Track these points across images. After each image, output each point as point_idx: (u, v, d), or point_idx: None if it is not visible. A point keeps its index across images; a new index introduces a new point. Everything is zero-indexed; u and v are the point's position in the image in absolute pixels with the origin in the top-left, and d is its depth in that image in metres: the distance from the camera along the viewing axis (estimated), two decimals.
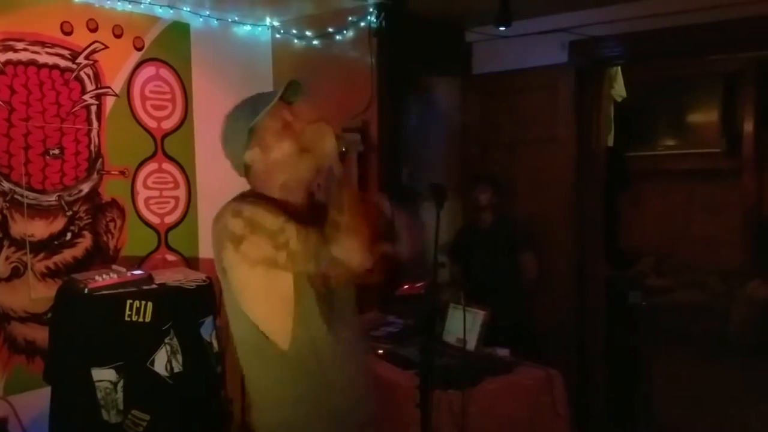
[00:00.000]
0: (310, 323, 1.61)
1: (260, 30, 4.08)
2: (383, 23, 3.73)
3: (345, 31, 3.85)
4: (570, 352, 3.97)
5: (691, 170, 6.01)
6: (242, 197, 1.63)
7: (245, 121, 1.63)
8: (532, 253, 3.87)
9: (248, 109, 1.65)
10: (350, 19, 3.81)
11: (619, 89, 4.44)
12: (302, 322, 1.60)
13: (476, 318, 2.83)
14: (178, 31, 3.72)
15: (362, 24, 3.79)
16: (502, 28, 3.62)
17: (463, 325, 2.70)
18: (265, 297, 1.59)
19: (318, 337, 1.63)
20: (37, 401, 2.97)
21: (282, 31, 4.10)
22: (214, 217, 1.61)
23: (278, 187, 1.66)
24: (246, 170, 1.68)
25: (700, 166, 5.95)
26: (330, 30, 3.89)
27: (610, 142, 4.54)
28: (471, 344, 2.77)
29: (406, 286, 3.46)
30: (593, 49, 3.87)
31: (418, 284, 3.38)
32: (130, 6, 3.45)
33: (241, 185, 4.08)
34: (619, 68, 4.39)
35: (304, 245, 1.51)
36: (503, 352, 2.88)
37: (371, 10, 3.74)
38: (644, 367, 4.42)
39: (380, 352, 3.05)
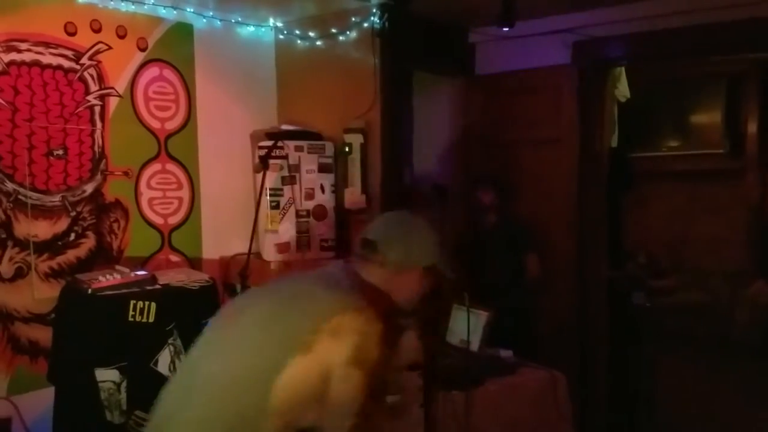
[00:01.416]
0: None
1: (263, 31, 4.08)
2: (386, 24, 3.73)
3: (348, 32, 3.85)
4: (573, 353, 3.96)
5: (695, 171, 5.98)
6: (371, 294, 1.51)
7: (438, 254, 1.64)
8: (535, 254, 3.87)
9: (435, 243, 1.65)
10: (353, 19, 3.81)
11: (622, 90, 4.43)
12: None
13: (480, 319, 2.83)
14: (182, 31, 3.72)
15: (365, 25, 3.79)
16: (505, 29, 3.62)
17: (467, 326, 2.70)
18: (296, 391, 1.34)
19: None
20: (41, 401, 2.98)
21: (285, 32, 4.10)
22: (356, 310, 1.41)
23: (404, 298, 1.62)
24: (395, 267, 1.59)
25: (703, 167, 5.92)
26: (333, 31, 3.90)
27: (614, 143, 4.53)
28: (474, 345, 2.77)
29: None
30: (596, 50, 3.86)
31: None
32: (133, 7, 3.46)
33: (243, 187, 4.07)
34: (623, 69, 4.38)
35: None
36: (506, 353, 2.88)
37: (374, 10, 3.74)
38: (647, 369, 4.41)
39: None
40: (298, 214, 3.75)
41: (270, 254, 3.69)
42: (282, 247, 3.71)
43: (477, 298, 2.88)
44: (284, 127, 3.89)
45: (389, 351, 1.40)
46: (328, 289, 1.47)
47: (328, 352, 1.31)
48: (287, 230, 3.72)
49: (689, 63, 5.51)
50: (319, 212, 3.84)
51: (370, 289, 1.53)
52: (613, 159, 4.39)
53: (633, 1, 3.64)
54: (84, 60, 3.34)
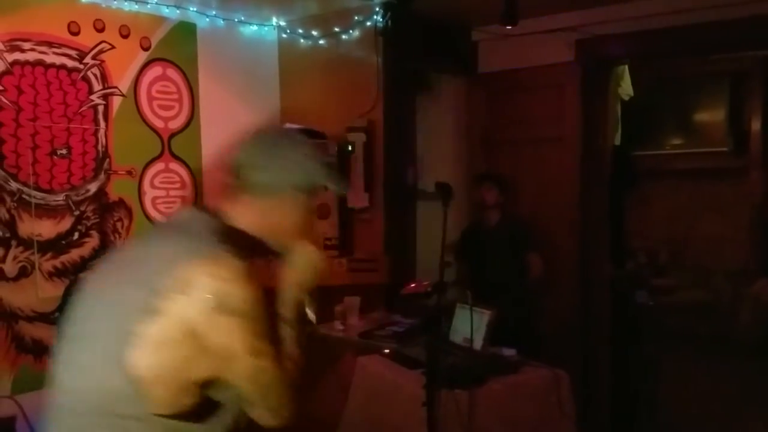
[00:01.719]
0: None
1: (266, 30, 4.09)
2: (389, 23, 3.73)
3: (351, 31, 3.85)
4: (576, 352, 3.96)
5: (698, 169, 5.98)
6: (229, 239, 1.27)
7: (318, 168, 1.38)
8: (538, 253, 3.86)
9: (320, 164, 1.39)
10: (356, 18, 3.81)
11: (626, 88, 4.42)
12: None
13: (482, 317, 2.83)
14: (185, 31, 3.73)
15: (368, 23, 3.79)
16: (508, 27, 3.61)
17: (470, 325, 2.70)
18: (171, 363, 1.18)
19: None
20: (45, 400, 2.98)
21: (288, 31, 4.10)
22: (203, 254, 1.22)
23: (269, 234, 1.38)
24: (266, 194, 1.35)
25: (706, 165, 5.92)
26: (336, 29, 3.89)
27: (617, 141, 4.53)
28: (477, 344, 2.77)
29: (412, 285, 3.46)
30: (600, 48, 3.86)
31: (425, 283, 3.38)
32: (136, 6, 3.47)
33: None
34: (626, 67, 4.37)
35: (275, 369, 1.25)
36: (509, 351, 2.87)
37: (377, 9, 3.74)
38: (649, 367, 4.41)
39: (386, 351, 3.05)
40: None
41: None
42: None
43: (480, 296, 2.89)
44: (287, 126, 3.88)
45: (262, 290, 1.22)
46: (176, 241, 1.26)
47: (181, 308, 1.16)
48: None
49: (692, 61, 5.51)
50: (322, 211, 3.84)
51: (229, 230, 1.31)
52: (615, 157, 4.38)
53: None
54: (87, 59, 3.34)
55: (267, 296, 1.27)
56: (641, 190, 5.82)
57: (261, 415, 1.27)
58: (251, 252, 1.30)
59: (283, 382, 1.27)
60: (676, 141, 6.17)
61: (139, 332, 1.17)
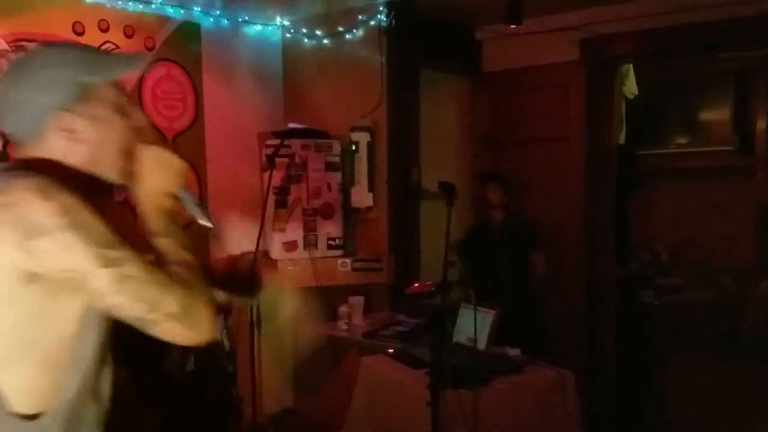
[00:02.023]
0: (70, 381, 1.11)
1: (270, 30, 4.09)
2: (393, 22, 3.73)
3: (355, 30, 3.85)
4: (581, 352, 3.95)
5: (703, 168, 5.96)
6: (35, 169, 1.06)
7: (73, 70, 1.10)
8: (543, 252, 3.85)
9: (77, 58, 1.13)
10: (360, 18, 3.81)
11: (630, 87, 4.41)
12: (64, 377, 1.10)
13: (487, 317, 2.83)
14: (189, 31, 3.73)
15: (372, 23, 3.79)
16: (512, 26, 3.61)
17: (474, 325, 2.70)
18: (26, 327, 1.05)
19: (75, 400, 1.12)
20: None
21: (292, 31, 4.10)
22: None
23: (117, 167, 1.16)
24: (34, 137, 1.11)
25: (712, 164, 5.90)
26: (340, 29, 3.90)
27: (622, 140, 4.51)
28: (481, 344, 2.77)
29: (416, 285, 3.45)
30: (605, 47, 3.85)
31: (428, 283, 3.37)
32: (141, 6, 3.47)
33: (251, 186, 4.08)
34: (631, 66, 4.36)
35: (150, 274, 1.05)
36: (514, 351, 2.87)
37: (381, 9, 3.74)
38: (656, 367, 4.39)
39: (390, 351, 3.05)
40: (305, 213, 3.76)
41: (277, 253, 3.69)
42: (289, 246, 3.72)
43: (484, 296, 2.89)
44: (291, 125, 3.89)
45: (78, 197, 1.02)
46: None
47: None
48: (294, 229, 3.73)
49: (697, 60, 5.49)
50: (326, 211, 3.84)
51: (30, 164, 1.10)
52: (620, 156, 4.37)
53: None
54: None
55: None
56: (646, 189, 5.80)
57: (170, 328, 1.07)
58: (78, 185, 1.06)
59: (176, 286, 1.06)
60: (681, 140, 6.14)
61: None
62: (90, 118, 1.12)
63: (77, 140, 1.11)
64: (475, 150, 4.47)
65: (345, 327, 3.55)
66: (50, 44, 1.25)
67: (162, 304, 1.05)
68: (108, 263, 1.02)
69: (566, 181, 4.01)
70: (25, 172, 1.04)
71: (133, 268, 1.03)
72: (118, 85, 1.16)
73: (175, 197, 1.19)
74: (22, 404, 1.07)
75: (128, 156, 1.16)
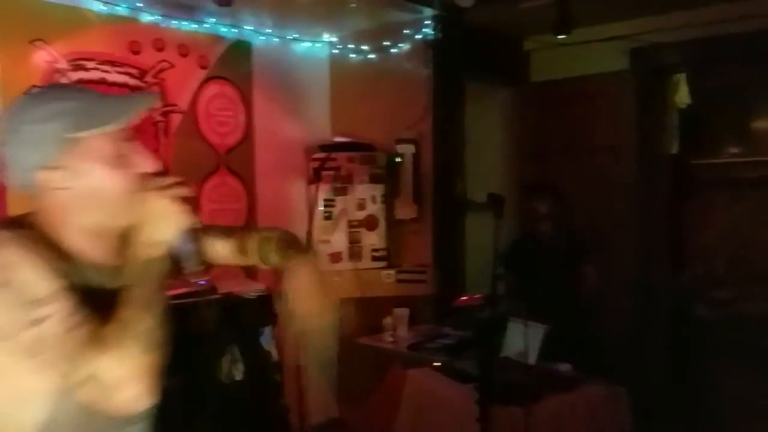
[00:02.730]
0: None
1: (318, 46, 4.15)
2: (439, 35, 3.75)
3: (401, 44, 3.88)
4: (634, 368, 3.86)
5: (759, 178, 5.78)
6: (12, 224, 1.09)
7: (62, 123, 1.08)
8: (593, 265, 3.77)
9: (65, 110, 1.09)
10: (406, 32, 3.84)
11: (682, 96, 4.32)
12: None
13: (536, 332, 2.78)
14: (241, 49, 3.82)
15: (418, 36, 3.81)
16: (561, 36, 3.58)
17: (523, 339, 2.66)
18: None
19: None
20: None
21: (339, 47, 4.16)
22: None
23: (83, 227, 1.12)
24: (34, 190, 1.11)
25: (766, 174, 5.72)
26: (386, 43, 3.93)
27: (675, 150, 4.42)
28: (532, 358, 2.73)
29: (464, 298, 3.44)
30: (655, 57, 3.79)
31: (477, 296, 3.35)
32: (195, 26, 3.57)
33: (298, 198, 4.13)
34: (683, 75, 4.27)
35: (67, 336, 0.99)
36: (565, 367, 2.82)
37: (427, 22, 3.76)
38: (709, 383, 4.26)
39: (436, 364, 3.03)
40: (350, 225, 3.79)
41: (322, 264, 3.73)
42: (334, 257, 3.76)
43: (533, 310, 2.85)
44: (337, 139, 3.93)
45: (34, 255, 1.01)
46: None
47: None
48: (339, 240, 3.76)
49: (751, 68, 5.34)
50: (371, 222, 3.87)
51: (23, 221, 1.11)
52: (673, 166, 4.28)
53: (691, 7, 3.55)
54: (148, 78, 3.45)
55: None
56: (699, 199, 5.66)
57: (87, 393, 1.01)
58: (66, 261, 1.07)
59: (94, 350, 0.99)
60: (735, 149, 5.98)
61: None
62: (74, 172, 1.09)
63: (68, 196, 1.09)
64: (521, 161, 4.43)
65: (390, 339, 3.55)
66: (40, 95, 1.17)
67: (76, 371, 0.99)
68: (28, 324, 0.99)
69: (617, 192, 3.94)
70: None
71: (53, 328, 0.99)
72: (115, 135, 1.11)
73: (169, 247, 1.11)
74: None
75: (127, 204, 1.11)
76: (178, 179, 1.14)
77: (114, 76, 3.33)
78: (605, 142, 4.00)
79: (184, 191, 1.13)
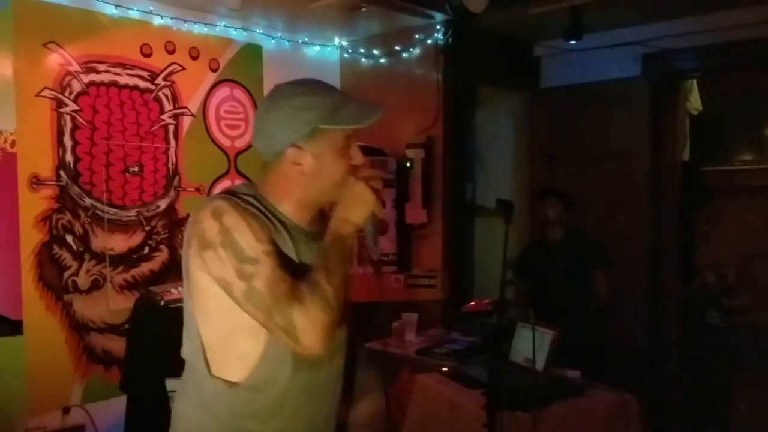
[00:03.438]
0: (277, 368, 1.34)
1: (329, 50, 4.16)
2: (450, 40, 3.75)
3: (412, 49, 3.88)
4: (644, 375, 3.83)
5: None
6: (233, 195, 1.35)
7: (315, 114, 1.34)
8: (604, 271, 3.74)
9: (319, 105, 1.35)
10: (417, 37, 3.84)
11: (695, 102, 4.30)
12: (267, 362, 1.34)
13: (545, 337, 2.76)
14: (252, 52, 3.83)
15: (429, 41, 3.81)
16: (572, 42, 3.57)
17: (532, 345, 2.64)
18: (222, 318, 1.32)
19: (282, 379, 1.35)
20: (114, 410, 3.08)
21: (350, 51, 4.17)
22: (197, 208, 1.34)
23: (301, 198, 1.38)
24: (274, 159, 1.37)
25: None
26: (397, 48, 3.93)
27: (686, 157, 4.39)
28: (540, 364, 2.70)
29: (473, 303, 3.42)
30: (668, 62, 3.77)
31: (486, 301, 3.34)
32: (206, 29, 3.59)
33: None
34: (695, 81, 4.25)
35: (270, 290, 1.24)
36: (574, 373, 2.79)
37: (438, 27, 3.76)
38: (722, 391, 4.21)
39: (444, 369, 3.02)
40: (359, 229, 3.78)
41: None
42: None
43: (542, 315, 2.83)
44: None
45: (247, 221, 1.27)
46: None
47: (187, 263, 1.33)
48: None
49: (763, 75, 5.30)
50: (381, 227, 3.85)
51: (246, 189, 1.39)
52: (685, 173, 4.25)
53: (704, 13, 3.53)
54: (159, 80, 3.47)
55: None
56: (711, 206, 5.62)
57: (281, 337, 1.26)
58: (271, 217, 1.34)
59: (292, 303, 1.23)
60: (747, 156, 5.93)
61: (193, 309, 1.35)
62: (315, 155, 1.35)
63: (301, 171, 1.36)
64: (532, 166, 4.42)
65: (398, 344, 3.53)
66: (304, 84, 1.43)
67: (274, 317, 1.24)
68: (242, 277, 1.25)
69: (628, 198, 3.91)
70: (221, 195, 1.35)
71: (260, 282, 1.24)
72: (349, 132, 1.38)
73: (359, 228, 1.38)
74: (231, 371, 1.35)
75: (339, 186, 1.37)
76: (379, 173, 1.44)
77: (125, 79, 3.36)
78: (616, 148, 3.98)
79: (380, 185, 1.39)
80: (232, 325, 1.32)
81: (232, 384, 1.34)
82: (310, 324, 1.23)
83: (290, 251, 1.34)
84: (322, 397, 1.47)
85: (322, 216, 1.45)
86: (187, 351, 1.43)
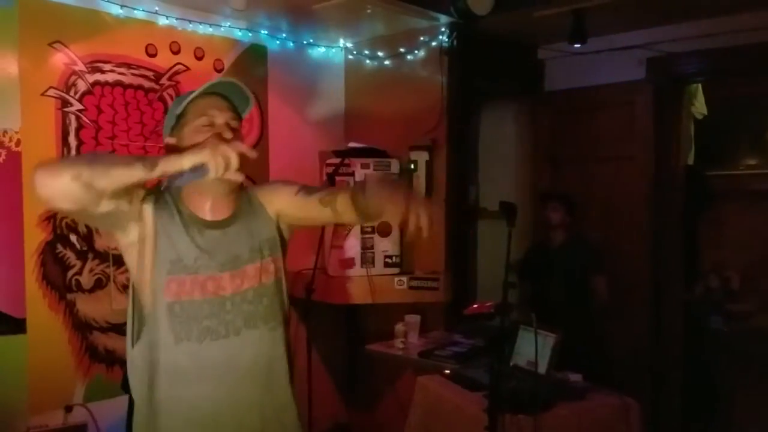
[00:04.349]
0: (155, 335, 1.53)
1: (333, 51, 4.17)
2: (454, 42, 3.75)
3: (416, 51, 3.89)
4: (646, 379, 3.82)
5: None
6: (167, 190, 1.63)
7: (175, 105, 1.61)
8: (604, 277, 3.73)
9: (182, 96, 1.63)
10: (421, 39, 3.84)
11: (699, 107, 4.29)
12: (147, 329, 1.54)
13: (547, 340, 2.76)
14: (256, 53, 3.84)
15: (433, 44, 3.81)
16: (576, 45, 3.57)
17: (534, 348, 2.64)
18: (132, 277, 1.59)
19: (162, 353, 1.53)
20: (116, 409, 3.08)
21: (354, 52, 4.17)
22: None
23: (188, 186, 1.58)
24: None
25: None
26: (401, 50, 3.94)
27: (690, 161, 4.38)
28: (542, 367, 2.70)
29: (475, 306, 3.42)
30: (672, 66, 3.77)
31: (488, 304, 3.33)
32: (210, 29, 3.59)
33: None
34: (699, 85, 4.24)
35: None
36: (576, 377, 2.79)
37: (443, 29, 3.76)
38: (723, 397, 4.20)
39: (446, 372, 3.02)
40: (362, 231, 3.78)
41: (335, 269, 3.73)
42: (347, 263, 3.75)
43: (544, 318, 2.83)
44: (351, 144, 3.94)
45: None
46: None
47: None
48: (352, 246, 3.75)
49: None
50: (384, 229, 3.85)
51: None
52: (688, 177, 4.24)
53: (709, 17, 3.53)
54: (163, 80, 3.48)
55: None
56: (715, 211, 5.61)
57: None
58: None
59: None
60: (752, 161, 5.92)
61: None
62: (181, 138, 1.59)
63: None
64: (536, 169, 4.42)
65: (401, 345, 3.54)
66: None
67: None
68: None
69: (631, 201, 3.91)
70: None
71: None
72: (198, 110, 1.60)
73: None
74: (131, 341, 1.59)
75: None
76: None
77: (130, 78, 3.36)
78: (620, 152, 3.98)
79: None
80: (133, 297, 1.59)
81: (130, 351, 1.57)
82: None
83: (182, 235, 1.53)
84: (189, 382, 1.54)
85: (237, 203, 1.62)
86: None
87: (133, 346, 1.56)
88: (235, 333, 1.54)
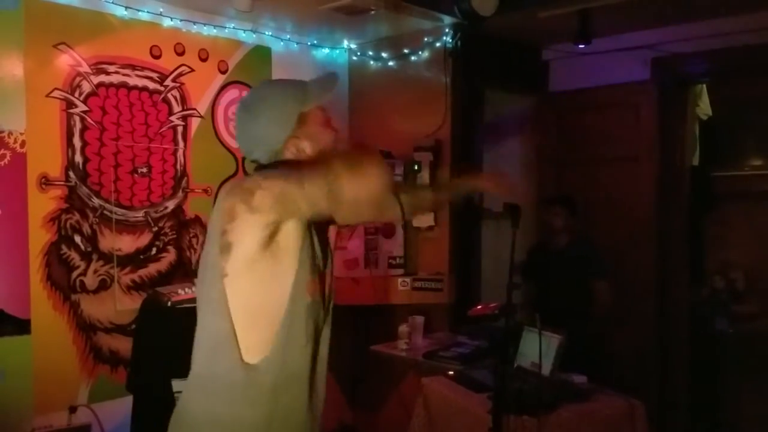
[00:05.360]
0: (291, 338, 1.47)
1: (338, 52, 4.17)
2: (458, 43, 3.75)
3: (420, 52, 3.89)
4: (651, 381, 3.81)
5: None
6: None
7: (293, 105, 1.51)
8: (606, 282, 3.67)
9: (293, 94, 1.53)
10: (426, 39, 3.84)
11: (704, 107, 4.28)
12: (284, 334, 1.45)
13: (551, 342, 2.75)
14: (260, 54, 3.84)
15: (437, 44, 3.82)
16: (581, 46, 3.56)
17: (538, 349, 2.63)
18: (260, 288, 1.43)
19: (293, 357, 1.48)
20: (120, 410, 3.09)
21: (359, 53, 4.17)
22: (224, 192, 1.47)
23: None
24: (275, 157, 1.52)
25: None
26: (405, 51, 3.94)
27: (695, 162, 4.37)
28: (546, 369, 2.70)
29: (479, 307, 3.42)
30: (677, 67, 3.76)
31: (492, 305, 3.33)
32: (215, 31, 3.60)
33: None
34: (704, 86, 4.23)
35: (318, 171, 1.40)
36: (580, 378, 2.78)
37: (447, 30, 3.76)
38: (729, 398, 4.19)
39: (450, 373, 3.01)
40: (366, 232, 3.79)
41: (339, 270, 3.73)
42: (351, 264, 3.75)
43: (548, 319, 2.82)
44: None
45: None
46: None
47: (238, 235, 1.42)
48: (356, 247, 3.76)
49: None
50: (388, 230, 3.86)
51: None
52: (693, 178, 4.23)
53: (714, 17, 3.52)
54: (168, 82, 3.49)
55: None
56: (720, 212, 5.58)
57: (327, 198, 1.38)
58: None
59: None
60: (757, 161, 5.90)
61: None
62: (309, 137, 1.52)
63: (304, 156, 1.51)
64: (540, 170, 4.41)
65: (405, 346, 3.53)
66: (263, 88, 1.62)
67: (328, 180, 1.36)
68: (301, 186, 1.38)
69: (636, 202, 3.90)
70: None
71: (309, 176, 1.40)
72: (322, 105, 1.57)
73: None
74: (248, 355, 1.44)
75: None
76: None
77: (135, 80, 3.37)
78: (625, 152, 3.96)
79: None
80: (258, 305, 1.44)
81: (248, 366, 1.43)
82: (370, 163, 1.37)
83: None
84: (303, 384, 1.53)
85: None
86: (204, 345, 1.50)
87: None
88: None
